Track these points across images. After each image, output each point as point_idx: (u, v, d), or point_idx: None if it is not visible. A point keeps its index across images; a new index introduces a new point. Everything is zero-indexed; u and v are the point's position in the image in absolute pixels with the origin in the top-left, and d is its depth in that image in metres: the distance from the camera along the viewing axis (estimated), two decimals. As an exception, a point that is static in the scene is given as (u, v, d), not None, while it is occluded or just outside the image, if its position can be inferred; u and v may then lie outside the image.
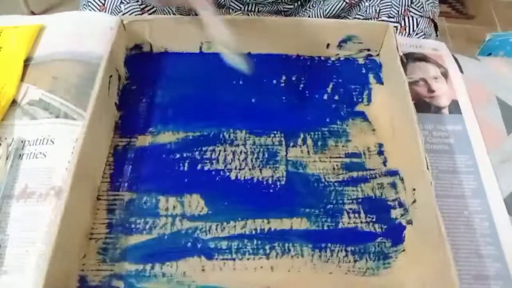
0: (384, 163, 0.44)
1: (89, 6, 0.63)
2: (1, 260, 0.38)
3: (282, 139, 0.46)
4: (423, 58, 0.54)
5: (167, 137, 0.45)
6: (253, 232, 0.40)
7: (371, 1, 0.66)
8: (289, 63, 0.52)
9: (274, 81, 0.50)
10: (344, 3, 0.65)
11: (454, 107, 0.50)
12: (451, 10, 1.63)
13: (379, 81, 0.51)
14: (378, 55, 0.53)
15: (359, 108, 0.49)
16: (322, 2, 0.66)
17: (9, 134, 0.45)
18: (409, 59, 0.54)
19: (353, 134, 0.46)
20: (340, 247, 0.39)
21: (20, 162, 0.44)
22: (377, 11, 0.65)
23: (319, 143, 0.46)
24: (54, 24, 0.55)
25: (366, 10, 0.65)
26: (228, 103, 0.48)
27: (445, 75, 0.53)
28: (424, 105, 0.50)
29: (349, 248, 0.39)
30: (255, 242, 0.39)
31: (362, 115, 0.48)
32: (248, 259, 0.38)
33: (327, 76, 0.51)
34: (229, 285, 0.37)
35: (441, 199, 0.43)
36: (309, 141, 0.46)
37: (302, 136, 0.46)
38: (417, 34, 0.63)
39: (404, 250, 0.39)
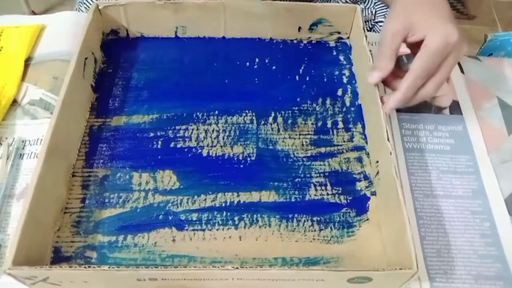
0: (352, 139, 0.46)
1: (84, 4, 0.64)
2: (1, 260, 0.38)
3: (254, 117, 0.47)
4: (424, 58, 0.54)
5: (141, 118, 0.47)
6: (223, 204, 0.41)
7: (367, 4, 0.66)
8: (262, 46, 0.53)
9: (248, 64, 0.52)
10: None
11: (455, 107, 0.50)
12: (451, 10, 1.62)
13: (349, 62, 0.52)
14: (348, 37, 0.54)
15: (329, 88, 0.50)
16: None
17: (10, 134, 0.45)
18: (409, 59, 0.54)
19: (322, 112, 0.48)
20: (307, 217, 0.41)
21: (21, 161, 0.44)
22: (373, 12, 0.66)
23: (289, 121, 0.47)
24: (55, 24, 0.55)
25: (362, 12, 0.66)
26: (202, 85, 0.49)
27: (446, 75, 0.53)
28: (425, 105, 0.50)
29: (315, 218, 0.41)
30: (224, 214, 0.41)
31: (332, 95, 0.49)
32: (217, 229, 0.40)
33: (299, 58, 0.52)
34: (198, 254, 0.38)
35: (442, 199, 0.43)
36: (279, 119, 0.47)
37: (273, 114, 0.47)
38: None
39: (368, 219, 0.41)
